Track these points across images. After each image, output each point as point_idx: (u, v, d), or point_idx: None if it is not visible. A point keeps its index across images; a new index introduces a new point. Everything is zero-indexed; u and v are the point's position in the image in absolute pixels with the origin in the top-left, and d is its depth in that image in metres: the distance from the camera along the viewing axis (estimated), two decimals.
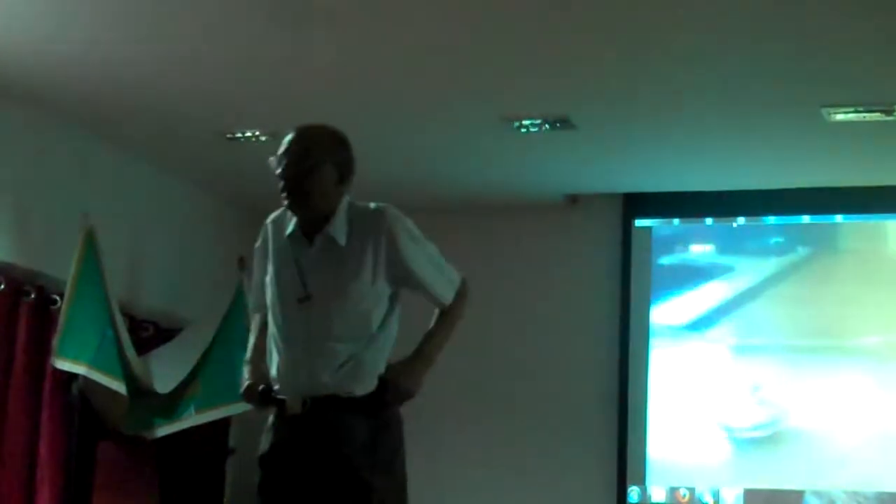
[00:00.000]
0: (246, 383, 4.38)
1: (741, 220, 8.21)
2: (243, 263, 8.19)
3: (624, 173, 7.90)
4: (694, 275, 8.26)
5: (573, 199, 8.38)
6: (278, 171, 4.26)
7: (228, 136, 7.22)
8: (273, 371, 4.33)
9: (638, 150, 7.39)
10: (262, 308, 4.46)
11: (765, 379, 8.00)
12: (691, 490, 8.00)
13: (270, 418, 4.37)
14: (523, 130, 6.96)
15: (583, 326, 8.35)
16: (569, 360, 8.31)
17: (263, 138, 7.14)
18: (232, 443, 8.21)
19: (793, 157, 7.41)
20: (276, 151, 4.30)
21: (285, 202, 4.30)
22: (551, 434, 8.28)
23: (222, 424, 7.96)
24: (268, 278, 4.38)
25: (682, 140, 7.19)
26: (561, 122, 6.85)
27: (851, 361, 7.85)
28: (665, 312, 8.23)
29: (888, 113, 6.55)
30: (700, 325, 8.19)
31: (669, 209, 8.30)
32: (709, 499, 7.98)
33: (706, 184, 7.97)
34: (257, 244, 4.51)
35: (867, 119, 6.65)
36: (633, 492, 8.08)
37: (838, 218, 8.10)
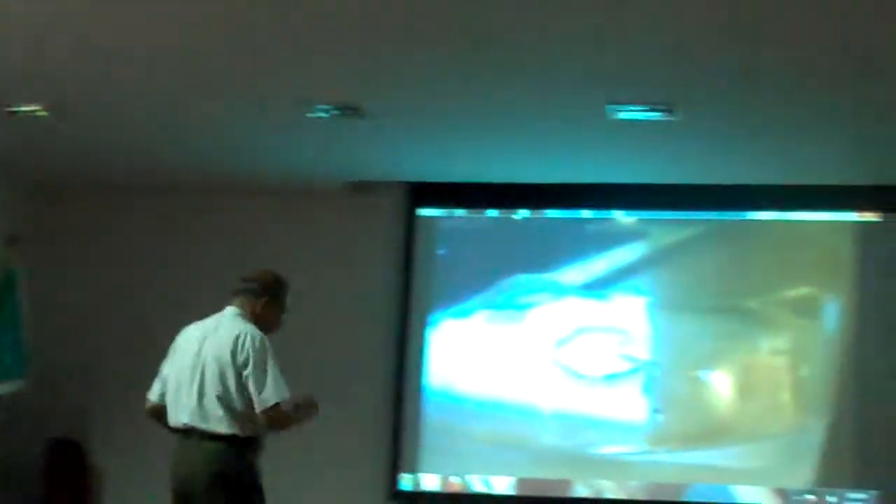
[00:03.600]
0: None
1: (524, 212, 8.29)
2: (14, 240, 7.93)
3: (409, 163, 7.91)
4: (476, 264, 8.29)
5: (358, 187, 8.34)
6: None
7: (7, 109, 6.93)
8: None
9: (424, 140, 7.39)
10: None
11: (544, 369, 8.11)
12: (464, 478, 8.05)
13: None
14: (311, 115, 6.88)
15: (363, 314, 8.33)
16: (347, 348, 8.28)
17: (42, 114, 6.90)
18: None
19: (577, 152, 7.51)
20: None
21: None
22: (326, 422, 8.20)
23: None
24: None
25: (468, 132, 7.21)
26: (351, 110, 6.79)
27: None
28: (446, 300, 8.25)
29: (670, 112, 6.67)
30: (480, 309, 8.26)
31: (453, 199, 8.34)
32: (481, 487, 8.04)
33: (491, 176, 8.03)
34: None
35: (649, 118, 6.77)
36: (406, 480, 8.09)
37: (617, 213, 8.25)
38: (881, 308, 7.88)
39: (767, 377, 8.01)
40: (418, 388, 8.19)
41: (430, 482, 8.12)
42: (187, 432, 5.52)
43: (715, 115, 6.76)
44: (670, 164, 7.67)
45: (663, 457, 7.96)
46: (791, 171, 7.70)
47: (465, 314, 8.25)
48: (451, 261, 8.32)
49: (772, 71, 6.05)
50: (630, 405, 8.03)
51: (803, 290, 8.02)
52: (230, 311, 5.68)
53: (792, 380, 7.99)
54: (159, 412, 5.65)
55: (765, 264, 8.08)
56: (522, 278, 8.24)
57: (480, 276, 8.27)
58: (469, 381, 8.18)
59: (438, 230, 8.36)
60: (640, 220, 8.26)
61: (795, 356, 8.00)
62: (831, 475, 7.80)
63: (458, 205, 8.37)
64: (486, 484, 8.06)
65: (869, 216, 7.99)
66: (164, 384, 5.65)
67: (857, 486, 7.76)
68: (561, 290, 8.19)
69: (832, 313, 7.97)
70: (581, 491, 7.99)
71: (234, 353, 5.47)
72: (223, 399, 5.45)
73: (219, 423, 5.46)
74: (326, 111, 6.80)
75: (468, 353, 8.22)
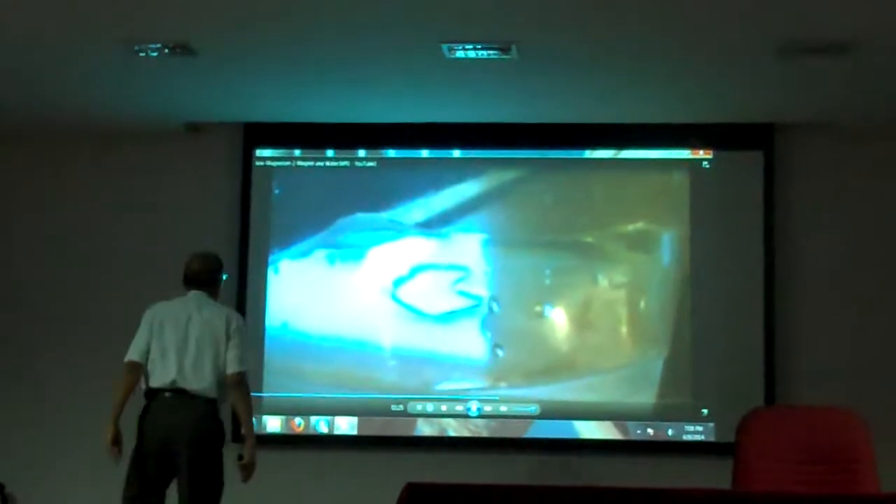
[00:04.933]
0: None
1: (362, 152, 8.27)
2: None
3: (245, 103, 7.82)
4: (314, 204, 8.26)
5: (194, 128, 8.24)
6: None
7: None
8: None
9: (259, 79, 7.31)
10: None
11: (384, 308, 8.13)
12: (306, 419, 8.06)
13: None
14: (142, 54, 6.76)
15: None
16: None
17: None
18: None
19: (415, 92, 7.51)
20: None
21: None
22: None
23: None
24: None
25: (303, 71, 7.16)
26: (181, 49, 6.68)
27: None
28: (285, 241, 8.22)
29: (505, 51, 6.69)
30: (319, 249, 8.23)
31: (291, 140, 8.28)
32: (323, 427, 8.05)
33: (329, 116, 7.99)
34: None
35: (486, 57, 6.78)
36: None
37: (456, 153, 8.28)
38: (714, 242, 8.05)
39: (606, 311, 8.12)
40: (259, 330, 8.13)
41: (272, 424, 8.09)
42: (175, 392, 6.37)
43: (551, 54, 6.81)
44: (508, 103, 7.71)
45: (505, 393, 8.04)
46: (625, 110, 7.79)
47: (304, 255, 8.22)
48: (290, 201, 8.26)
49: (604, 8, 6.10)
50: (470, 342, 8.09)
51: (639, 225, 8.14)
52: (200, 295, 6.61)
53: (630, 313, 8.12)
54: (138, 369, 6.43)
55: (601, 200, 8.18)
56: (360, 218, 8.22)
57: (319, 216, 8.24)
58: (309, 321, 8.16)
59: (276, 171, 8.29)
60: (478, 159, 8.28)
61: (633, 290, 8.12)
62: (670, 408, 7.96)
63: (296, 145, 8.29)
64: (329, 424, 8.06)
65: (701, 154, 8.13)
66: (147, 350, 6.45)
67: (694, 419, 7.93)
68: (399, 229, 8.20)
69: (668, 248, 8.11)
70: (424, 429, 8.04)
71: (227, 329, 6.47)
72: (216, 366, 6.42)
73: (208, 387, 6.40)
74: (156, 50, 6.69)
75: (308, 294, 8.20)
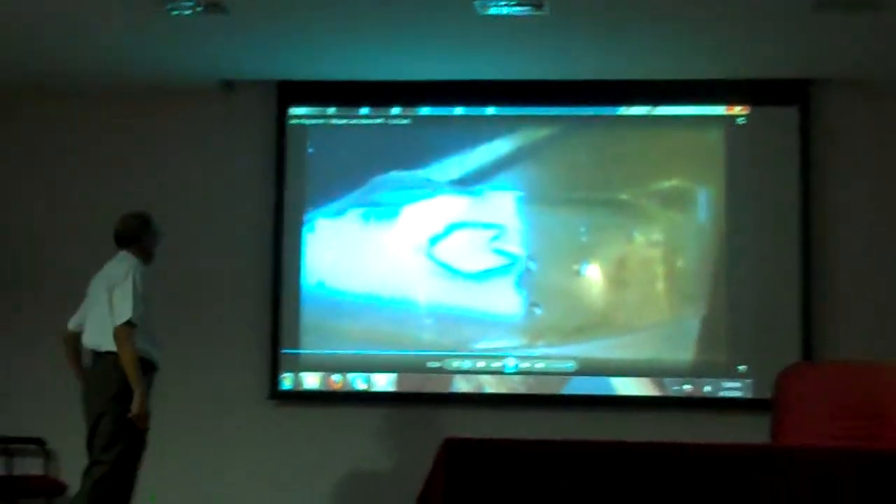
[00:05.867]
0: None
1: (396, 110, 8.26)
2: None
3: (278, 60, 7.82)
4: (349, 163, 8.26)
5: (228, 85, 8.24)
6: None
7: None
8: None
9: (292, 37, 7.32)
10: None
11: (420, 266, 8.15)
12: (344, 376, 8.09)
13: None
14: (175, 13, 6.77)
15: (237, 215, 8.28)
16: (222, 250, 8.25)
17: None
18: None
19: (447, 49, 7.50)
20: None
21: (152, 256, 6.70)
22: (206, 326, 8.22)
23: None
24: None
25: (337, 28, 7.15)
26: (214, 6, 6.69)
27: None
28: (320, 200, 8.23)
29: (538, 7, 6.67)
30: (354, 208, 8.23)
31: (325, 98, 8.27)
32: (361, 384, 8.08)
33: (362, 73, 7.98)
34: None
35: (518, 13, 6.76)
36: (287, 379, 8.11)
37: (490, 110, 8.26)
38: (750, 198, 8.01)
39: (642, 269, 8.11)
40: (296, 289, 8.17)
41: (310, 381, 8.13)
42: (90, 351, 6.47)
43: (583, 10, 6.78)
44: (541, 59, 7.69)
45: (542, 350, 8.05)
46: (659, 66, 7.75)
47: (339, 213, 8.22)
48: (324, 160, 8.27)
49: None
50: (507, 300, 8.10)
51: (674, 183, 8.11)
52: (121, 255, 6.61)
53: (667, 270, 8.10)
54: (72, 338, 6.62)
55: (635, 157, 8.15)
56: (395, 176, 8.22)
57: (353, 174, 8.24)
58: (345, 279, 8.18)
59: (310, 129, 8.30)
60: (512, 116, 8.26)
61: (669, 247, 8.10)
62: (707, 365, 7.95)
63: (330, 103, 8.29)
64: (367, 381, 8.09)
65: (736, 110, 8.09)
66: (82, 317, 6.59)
67: (731, 375, 7.93)
68: (433, 187, 8.20)
69: (703, 205, 8.08)
70: (461, 386, 8.06)
71: (115, 280, 6.42)
72: (108, 318, 6.36)
73: (101, 341, 6.38)
74: (189, 8, 6.70)
75: (343, 252, 8.21)
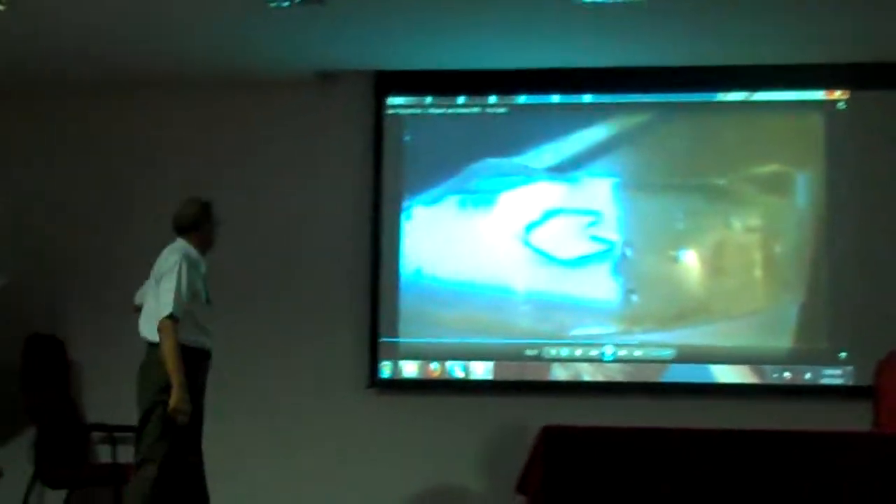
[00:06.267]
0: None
1: (493, 98, 8.28)
2: None
3: (375, 50, 7.85)
4: (446, 151, 8.29)
5: (325, 76, 8.30)
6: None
7: None
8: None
9: (389, 26, 7.35)
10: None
11: (517, 253, 8.16)
12: (442, 364, 8.12)
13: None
14: (274, 4, 6.83)
15: (335, 204, 8.34)
16: (321, 239, 8.30)
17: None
18: None
19: (545, 37, 7.49)
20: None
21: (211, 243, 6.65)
22: (305, 315, 8.29)
23: None
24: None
25: (433, 18, 7.17)
26: None
27: None
28: (418, 188, 8.27)
29: None
30: (451, 195, 8.26)
31: (422, 87, 8.30)
32: (459, 372, 8.11)
33: (459, 62, 8.00)
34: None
35: (615, 0, 6.73)
36: (385, 367, 8.16)
37: (586, 97, 8.24)
38: (851, 182, 7.93)
39: (741, 255, 8.05)
40: (394, 277, 8.21)
41: (408, 369, 8.18)
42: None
43: None
44: (638, 46, 7.65)
45: (639, 338, 8.02)
46: (757, 51, 7.68)
47: (436, 201, 8.25)
48: (421, 148, 8.30)
49: None
50: (604, 287, 8.08)
51: (773, 168, 8.04)
52: (176, 243, 6.55)
53: (765, 256, 8.03)
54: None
55: (734, 143, 8.09)
56: (492, 163, 8.23)
57: (450, 162, 8.27)
58: (442, 267, 8.21)
59: (407, 119, 8.33)
60: (609, 104, 8.23)
61: (768, 233, 8.04)
62: (807, 352, 7.88)
63: (427, 92, 8.31)
64: (465, 369, 8.12)
65: (837, 94, 8.00)
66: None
67: (833, 363, 7.85)
68: (530, 174, 8.20)
69: (803, 190, 8.00)
70: (559, 374, 8.06)
71: (162, 270, 6.38)
72: (156, 309, 6.31)
73: (149, 332, 6.34)
74: (288, 0, 6.76)
75: (441, 240, 8.24)
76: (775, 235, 8.03)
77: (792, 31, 7.32)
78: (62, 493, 7.96)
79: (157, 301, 6.30)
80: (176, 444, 6.26)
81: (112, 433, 7.63)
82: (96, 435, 8.19)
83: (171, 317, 6.21)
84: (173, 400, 6.15)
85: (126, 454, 7.02)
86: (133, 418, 6.36)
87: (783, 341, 7.90)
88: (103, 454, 8.13)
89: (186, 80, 8.28)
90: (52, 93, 8.51)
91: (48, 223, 8.51)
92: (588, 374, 8.04)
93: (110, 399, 7.65)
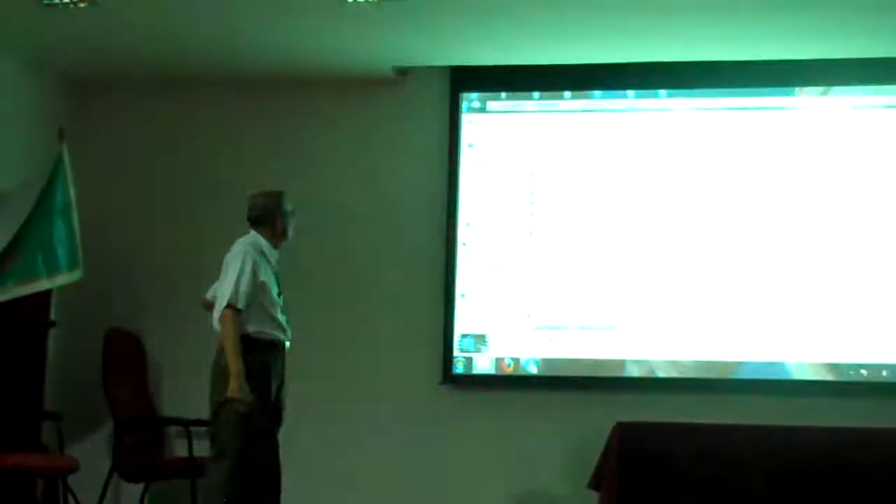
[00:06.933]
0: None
1: (567, 94, 8.27)
2: (62, 134, 8.01)
3: (452, 46, 7.85)
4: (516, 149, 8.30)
5: (402, 72, 8.32)
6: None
7: (45, 1, 6.96)
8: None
9: (465, 22, 7.34)
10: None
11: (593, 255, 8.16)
12: (516, 360, 8.12)
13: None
14: (351, 1, 6.87)
15: (411, 199, 8.36)
16: (398, 235, 8.34)
17: (82, 5, 6.92)
18: (53, 315, 8.09)
19: (618, 32, 7.46)
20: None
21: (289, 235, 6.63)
22: (381, 308, 8.32)
23: (43, 297, 7.84)
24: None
25: (509, 13, 7.15)
26: None
27: None
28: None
29: None
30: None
31: (497, 83, 8.29)
32: (533, 368, 8.11)
33: (533, 58, 7.98)
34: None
35: None
36: (459, 362, 8.16)
37: (662, 93, 8.20)
38: None
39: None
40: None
41: (483, 365, 8.17)
42: None
43: None
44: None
45: (714, 334, 7.97)
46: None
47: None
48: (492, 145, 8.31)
49: None
50: None
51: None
52: (249, 236, 6.57)
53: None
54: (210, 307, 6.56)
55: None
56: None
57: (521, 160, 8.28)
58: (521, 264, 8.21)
59: (481, 115, 8.33)
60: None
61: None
62: (884, 349, 7.78)
63: (502, 88, 8.30)
64: (538, 365, 8.12)
65: None
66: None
67: None
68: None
69: None
70: (633, 370, 8.02)
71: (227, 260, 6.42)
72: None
73: (216, 326, 6.37)
74: None
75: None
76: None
77: None
78: (139, 487, 8.04)
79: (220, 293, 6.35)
80: (251, 437, 6.28)
81: (188, 427, 7.69)
82: (173, 429, 8.27)
83: (230, 306, 6.22)
84: (230, 389, 6.15)
85: (202, 448, 7.07)
86: (207, 413, 6.42)
87: (860, 338, 7.78)
88: (179, 448, 8.21)
89: (265, 77, 8.33)
90: (138, 90, 8.62)
91: (128, 219, 8.60)
92: (662, 370, 8.00)
93: (187, 393, 7.72)
